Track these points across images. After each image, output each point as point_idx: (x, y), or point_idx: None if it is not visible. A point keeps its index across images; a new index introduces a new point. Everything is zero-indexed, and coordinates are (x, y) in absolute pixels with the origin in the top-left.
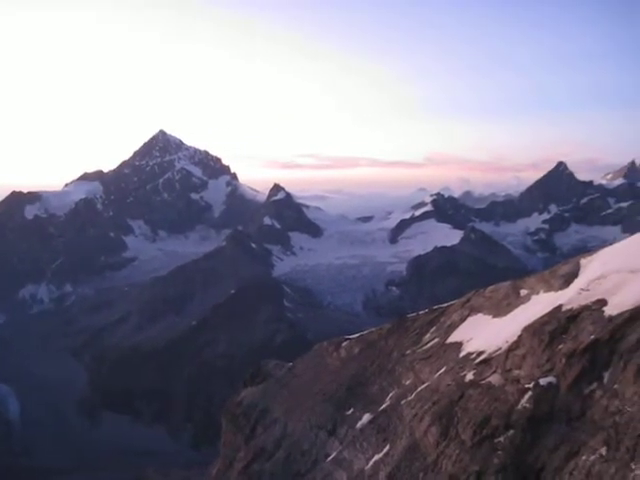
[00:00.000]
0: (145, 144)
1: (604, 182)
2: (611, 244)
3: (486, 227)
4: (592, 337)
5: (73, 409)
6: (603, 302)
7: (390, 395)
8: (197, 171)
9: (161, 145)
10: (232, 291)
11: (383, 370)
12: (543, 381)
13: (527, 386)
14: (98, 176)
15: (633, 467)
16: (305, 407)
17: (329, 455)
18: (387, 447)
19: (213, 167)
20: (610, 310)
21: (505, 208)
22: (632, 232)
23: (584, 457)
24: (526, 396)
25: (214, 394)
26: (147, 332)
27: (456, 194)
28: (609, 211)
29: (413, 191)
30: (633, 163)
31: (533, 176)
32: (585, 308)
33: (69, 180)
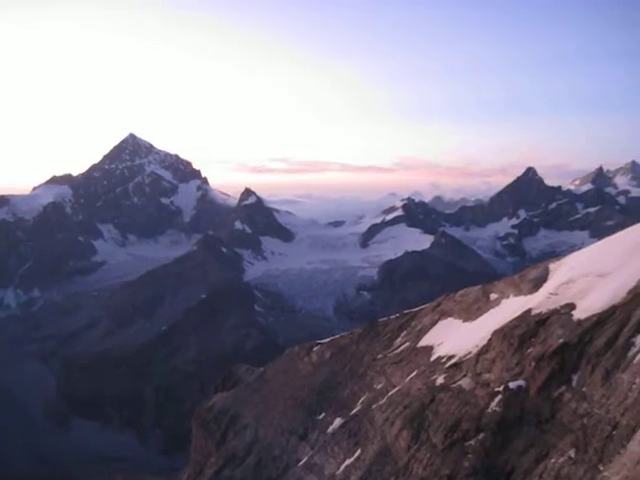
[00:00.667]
0: (115, 147)
1: (572, 188)
2: (579, 249)
3: (456, 232)
4: (561, 341)
5: (41, 415)
6: (572, 306)
7: (361, 399)
8: (167, 175)
9: (131, 149)
10: (203, 296)
11: (354, 374)
12: (513, 384)
13: (497, 390)
14: (67, 180)
15: (601, 469)
16: (276, 412)
17: (300, 460)
18: (358, 451)
19: (183, 171)
20: (578, 314)
21: (475, 213)
22: (600, 237)
23: (553, 459)
24: (496, 399)
25: (184, 400)
26: (117, 337)
27: (426, 199)
28: (577, 216)
29: (384, 196)
30: (601, 169)
31: (502, 181)
32: (554, 312)
33: (37, 184)
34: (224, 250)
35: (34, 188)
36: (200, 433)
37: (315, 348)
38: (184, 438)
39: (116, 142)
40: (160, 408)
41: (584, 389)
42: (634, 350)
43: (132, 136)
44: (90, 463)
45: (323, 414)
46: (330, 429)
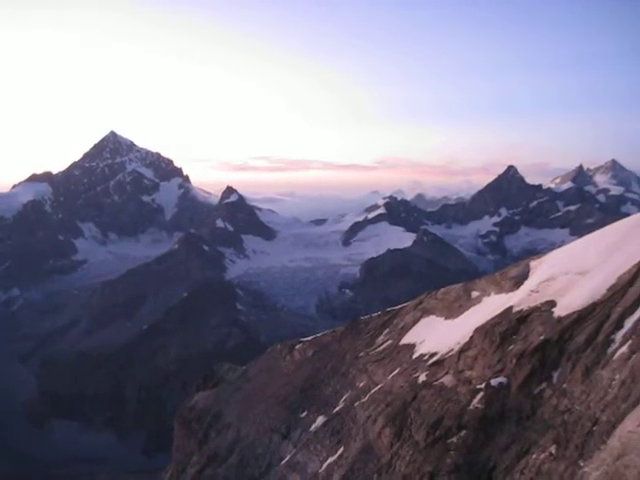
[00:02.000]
0: (95, 145)
1: (553, 186)
2: (560, 247)
3: (438, 230)
4: (542, 338)
5: (21, 416)
6: (552, 303)
7: (344, 397)
8: (149, 173)
9: (112, 146)
10: (184, 294)
11: (337, 372)
12: (494, 381)
13: (479, 387)
14: (47, 177)
15: (582, 464)
16: (258, 411)
17: (283, 459)
18: (341, 449)
19: (165, 169)
20: (559, 311)
21: (457, 211)
22: (580, 235)
23: (534, 456)
24: (478, 396)
25: (166, 399)
26: (97, 337)
27: (408, 197)
28: (558, 214)
29: (366, 194)
30: (581, 167)
31: (484, 179)
32: (535, 309)
33: (17, 181)
34: (206, 248)
35: (14, 186)
36: (182, 432)
37: (297, 346)
38: (166, 438)
39: (97, 140)
40: (141, 408)
41: (564, 386)
42: (614, 347)
43: (113, 134)
44: (71, 464)
45: (305, 412)
46: (313, 427)
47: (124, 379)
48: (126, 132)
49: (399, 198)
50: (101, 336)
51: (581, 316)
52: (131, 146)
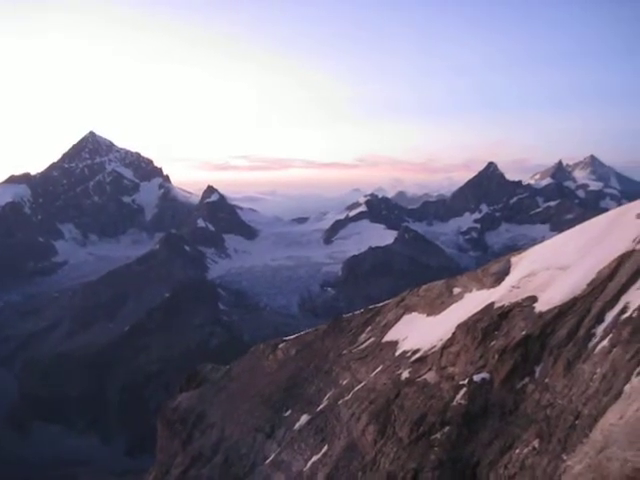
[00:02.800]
0: (74, 146)
1: (533, 182)
2: (540, 242)
3: (419, 227)
4: (523, 333)
5: (2, 420)
6: (533, 299)
7: (327, 395)
8: (128, 173)
9: (91, 147)
10: (166, 295)
11: (320, 371)
12: (477, 377)
13: (462, 382)
14: (25, 179)
15: (565, 458)
16: (242, 410)
17: (267, 458)
18: (325, 447)
19: (145, 169)
20: (540, 306)
21: (437, 208)
22: (560, 230)
23: (518, 450)
24: (461, 392)
25: (149, 400)
26: (79, 338)
27: (389, 194)
28: (538, 210)
29: (347, 192)
30: (560, 163)
31: (464, 176)
32: (516, 305)
33: None
34: (187, 248)
35: None
36: (165, 433)
37: (280, 345)
38: (149, 439)
39: (76, 140)
40: (124, 409)
41: (547, 380)
42: (595, 341)
43: (92, 134)
44: (54, 467)
45: (289, 411)
46: (297, 426)
47: (106, 380)
48: (105, 132)
49: (380, 196)
50: (83, 338)
51: (562, 311)
52: (110, 146)
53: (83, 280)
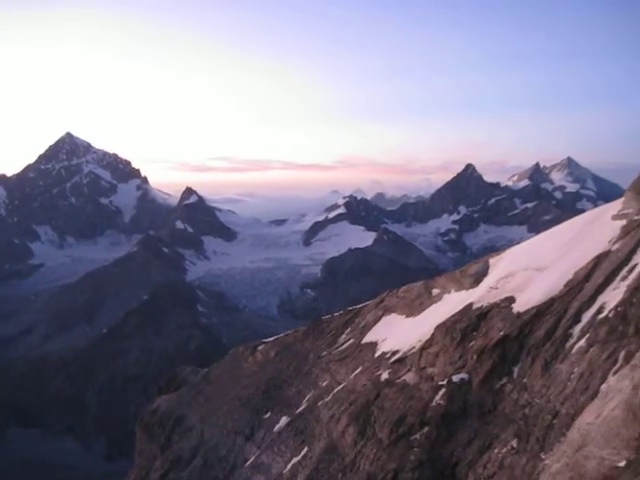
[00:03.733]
0: (51, 147)
1: (510, 184)
2: (518, 243)
3: (398, 228)
4: (502, 333)
5: None
6: (511, 299)
7: (307, 397)
8: (106, 175)
9: (68, 148)
10: (144, 297)
11: (299, 372)
12: (456, 378)
13: (441, 383)
14: (1, 180)
15: (543, 457)
16: (222, 413)
17: (247, 460)
18: (305, 449)
19: (123, 170)
20: (518, 307)
21: (416, 209)
22: (537, 232)
23: (496, 450)
24: (440, 393)
25: (128, 403)
26: (56, 342)
27: (368, 196)
28: (515, 211)
29: (326, 193)
30: (537, 165)
31: (443, 178)
32: (494, 305)
33: None
34: (165, 250)
35: None
36: (144, 437)
37: (260, 347)
38: (128, 443)
39: (52, 141)
40: (103, 413)
41: (525, 380)
42: (572, 341)
43: (69, 135)
44: (32, 472)
45: (269, 413)
46: (276, 428)
47: (84, 384)
48: (82, 133)
49: (359, 197)
50: (60, 341)
51: (540, 311)
52: (88, 147)
53: (60, 283)
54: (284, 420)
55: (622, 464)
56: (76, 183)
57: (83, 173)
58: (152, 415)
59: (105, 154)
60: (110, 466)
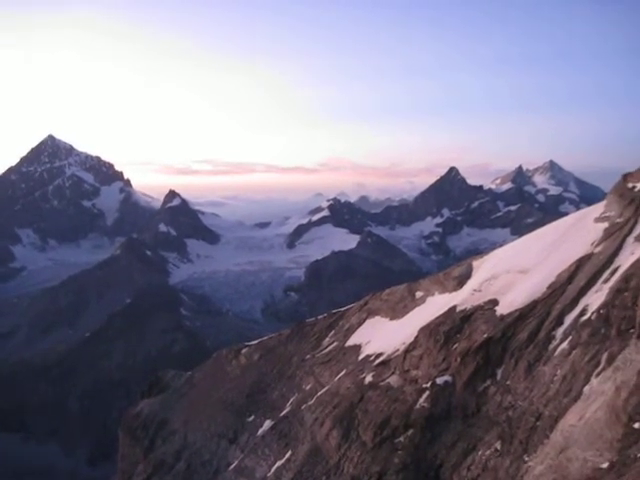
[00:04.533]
0: (33, 149)
1: (493, 187)
2: (501, 246)
3: (382, 231)
4: (485, 336)
5: None
6: (495, 302)
7: (291, 400)
8: (89, 177)
9: (50, 150)
10: (127, 300)
11: (283, 376)
12: (440, 380)
13: (425, 386)
14: None
15: (526, 459)
16: (205, 416)
17: (231, 464)
18: (289, 453)
19: (105, 173)
20: (501, 309)
21: (400, 212)
22: (520, 234)
23: (480, 452)
24: (424, 395)
25: (111, 407)
26: (38, 345)
27: (352, 199)
28: (498, 214)
29: (310, 196)
30: (520, 168)
31: (427, 181)
32: (478, 308)
33: None
34: (148, 253)
35: None
36: (127, 441)
37: (243, 350)
38: (111, 447)
39: (34, 143)
40: (85, 417)
41: (508, 382)
42: (555, 343)
43: (51, 137)
44: (14, 477)
45: (253, 417)
46: (260, 431)
47: (66, 388)
48: (65, 136)
49: (343, 200)
50: (42, 344)
51: (523, 314)
52: (70, 150)
53: (42, 286)
54: (268, 423)
55: (605, 466)
56: (58, 186)
57: (65, 176)
58: (135, 419)
59: (88, 157)
60: (93, 470)
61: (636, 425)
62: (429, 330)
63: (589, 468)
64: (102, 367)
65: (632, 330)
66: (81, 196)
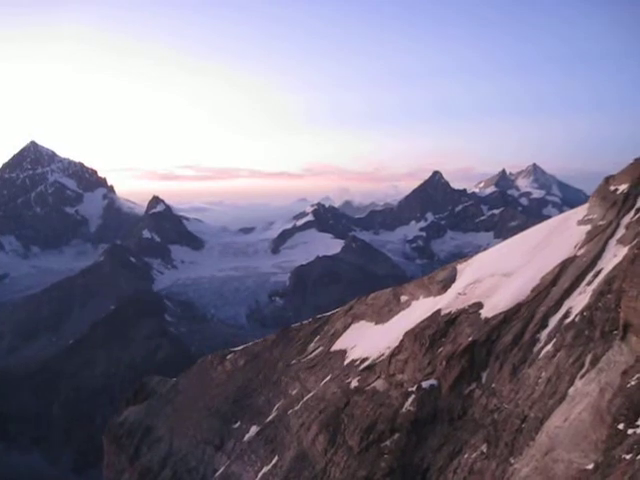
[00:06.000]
0: (15, 156)
1: (477, 190)
2: (485, 249)
3: (366, 236)
4: (470, 339)
5: None
6: (479, 305)
7: (277, 406)
8: (72, 184)
9: (33, 157)
10: (111, 307)
11: (269, 381)
12: (425, 384)
13: (410, 389)
14: None
15: (512, 461)
16: (191, 423)
17: (217, 471)
18: (275, 458)
19: (89, 179)
20: (486, 312)
21: (384, 217)
22: (504, 237)
23: (466, 455)
24: (410, 399)
25: (95, 415)
26: (21, 353)
27: (336, 204)
28: (482, 218)
29: (294, 201)
30: (504, 172)
31: (410, 185)
32: (462, 311)
33: None
34: (132, 260)
35: None
36: (112, 449)
37: (228, 356)
38: (96, 455)
39: (16, 150)
40: (69, 425)
41: (493, 385)
42: (539, 345)
43: (33, 144)
44: None
45: (239, 423)
46: (246, 437)
47: (50, 396)
48: (47, 142)
49: (327, 205)
50: (25, 352)
51: (507, 316)
52: (53, 156)
53: (25, 293)
54: (254, 429)
55: (590, 467)
56: (41, 192)
57: (48, 182)
58: (120, 426)
59: (70, 163)
60: (78, 479)
61: (620, 426)
62: (414, 334)
63: (574, 469)
64: (86, 374)
65: (615, 332)
66: (64, 202)
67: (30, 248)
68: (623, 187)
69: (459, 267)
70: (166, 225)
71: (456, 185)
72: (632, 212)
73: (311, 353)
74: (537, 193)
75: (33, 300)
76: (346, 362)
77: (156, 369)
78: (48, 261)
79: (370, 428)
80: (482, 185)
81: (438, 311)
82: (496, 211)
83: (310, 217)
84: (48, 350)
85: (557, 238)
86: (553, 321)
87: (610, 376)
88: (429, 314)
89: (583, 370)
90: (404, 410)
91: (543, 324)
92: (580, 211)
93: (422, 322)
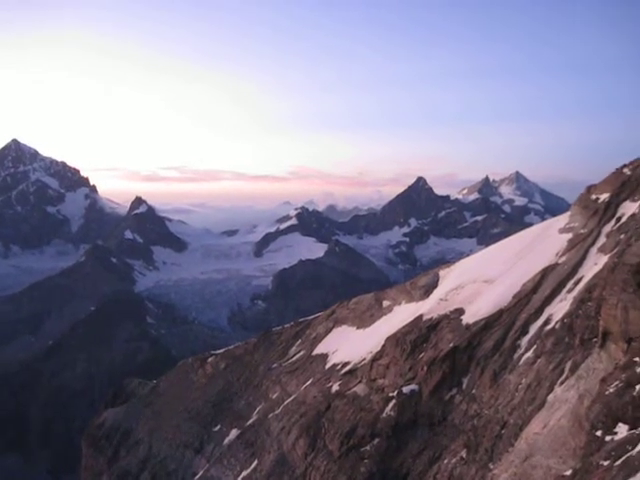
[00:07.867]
0: None
1: (460, 197)
2: (467, 256)
3: (350, 240)
4: (451, 345)
5: None
6: (461, 311)
7: (257, 409)
8: (54, 183)
9: (14, 155)
10: (91, 308)
11: (250, 385)
12: (406, 389)
13: (391, 394)
14: None
15: (491, 467)
16: (170, 426)
17: (196, 474)
18: (255, 462)
19: (71, 179)
20: (467, 318)
21: (368, 221)
22: (486, 244)
23: (446, 460)
24: (390, 404)
25: (73, 417)
26: None
27: (320, 208)
28: (465, 224)
29: (278, 205)
30: (487, 179)
31: (394, 190)
32: (444, 317)
33: None
34: (114, 260)
35: None
36: (90, 451)
37: (209, 359)
38: (74, 458)
39: None
40: (47, 427)
41: (474, 391)
42: (520, 352)
43: (15, 142)
44: None
45: (219, 426)
46: (226, 441)
47: (28, 398)
48: (29, 140)
49: (311, 209)
50: (2, 353)
51: (488, 323)
52: (35, 155)
53: (4, 293)
54: (234, 433)
55: (568, 473)
56: (22, 191)
57: (30, 181)
58: (98, 429)
59: (53, 162)
60: None
61: (599, 433)
62: (396, 339)
63: (552, 475)
64: (65, 376)
65: (595, 339)
66: (45, 202)
67: (10, 247)
68: (604, 196)
69: (441, 273)
70: (149, 226)
71: (440, 191)
72: (613, 221)
73: (292, 357)
74: (520, 201)
75: (12, 300)
76: (327, 366)
77: (136, 371)
78: (28, 261)
79: (350, 432)
80: (465, 192)
81: (420, 316)
82: (479, 218)
83: (294, 221)
84: (27, 351)
85: (539, 246)
86: (534, 328)
87: (589, 383)
88: (411, 319)
89: (563, 377)
90: (385, 415)
91: (524, 331)
92: (562, 219)
93: (404, 327)
